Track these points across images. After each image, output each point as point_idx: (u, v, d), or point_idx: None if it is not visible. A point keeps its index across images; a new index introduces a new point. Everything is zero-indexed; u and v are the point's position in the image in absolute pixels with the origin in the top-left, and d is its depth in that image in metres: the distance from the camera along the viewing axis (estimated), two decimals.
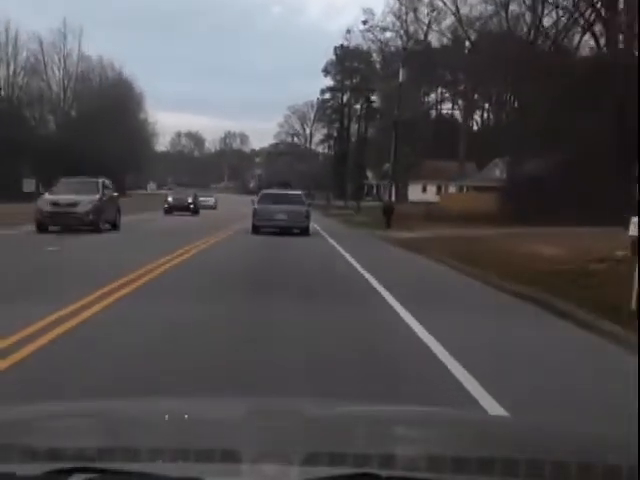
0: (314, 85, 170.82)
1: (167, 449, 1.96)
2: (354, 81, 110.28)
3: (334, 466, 1.83)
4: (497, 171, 74.02)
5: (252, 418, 2.51)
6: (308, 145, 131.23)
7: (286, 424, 2.40)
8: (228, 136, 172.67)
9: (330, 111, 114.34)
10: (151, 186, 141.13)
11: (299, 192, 34.76)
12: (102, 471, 1.71)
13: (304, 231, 29.72)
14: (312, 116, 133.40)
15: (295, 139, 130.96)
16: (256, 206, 30.36)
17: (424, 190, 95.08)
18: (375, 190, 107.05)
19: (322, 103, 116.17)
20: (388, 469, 1.81)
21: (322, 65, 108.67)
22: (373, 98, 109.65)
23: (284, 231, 28.78)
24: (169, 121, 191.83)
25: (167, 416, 2.46)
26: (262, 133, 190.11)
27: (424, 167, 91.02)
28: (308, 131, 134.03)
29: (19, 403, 4.28)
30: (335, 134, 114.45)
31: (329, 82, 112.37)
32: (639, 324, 8.52)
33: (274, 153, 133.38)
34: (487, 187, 62.48)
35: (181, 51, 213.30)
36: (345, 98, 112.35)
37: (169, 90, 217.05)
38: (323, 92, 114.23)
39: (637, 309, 9.56)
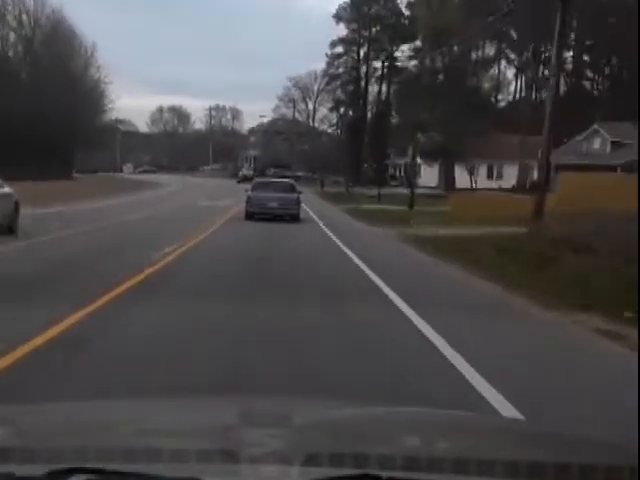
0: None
1: (166, 449, 1.95)
2: (374, 31, 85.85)
3: (334, 466, 1.83)
4: (597, 142, 51.16)
5: (252, 418, 2.52)
6: (311, 123, 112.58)
7: (286, 424, 2.41)
8: (217, 110, 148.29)
9: (343, 69, 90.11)
10: (128, 168, 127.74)
11: (291, 180, 37.43)
12: (101, 471, 1.73)
13: (294, 218, 30.97)
14: (316, 89, 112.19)
15: (297, 115, 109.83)
16: (249, 194, 31.79)
17: (490, 174, 70.40)
18: (402, 172, 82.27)
19: (332, 60, 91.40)
20: (388, 469, 1.80)
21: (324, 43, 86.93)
22: (397, 54, 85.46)
23: (276, 218, 30.05)
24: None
25: (167, 416, 2.49)
26: (259, 113, 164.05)
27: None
28: (311, 106, 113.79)
29: (19, 403, 4.36)
30: (347, 100, 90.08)
31: (342, 31, 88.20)
32: (639, 324, 8.75)
33: (271, 131, 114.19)
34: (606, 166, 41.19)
35: (175, 34, 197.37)
36: (362, 53, 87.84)
37: (160, 74, 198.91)
38: (334, 45, 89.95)
39: (638, 310, 9.40)
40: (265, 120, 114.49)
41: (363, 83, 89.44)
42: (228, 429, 2.32)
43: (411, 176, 51.58)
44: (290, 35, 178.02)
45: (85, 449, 1.95)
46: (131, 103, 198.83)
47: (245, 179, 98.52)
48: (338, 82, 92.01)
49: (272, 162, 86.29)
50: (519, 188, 52.38)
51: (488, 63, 77.38)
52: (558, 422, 5.01)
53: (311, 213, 34.77)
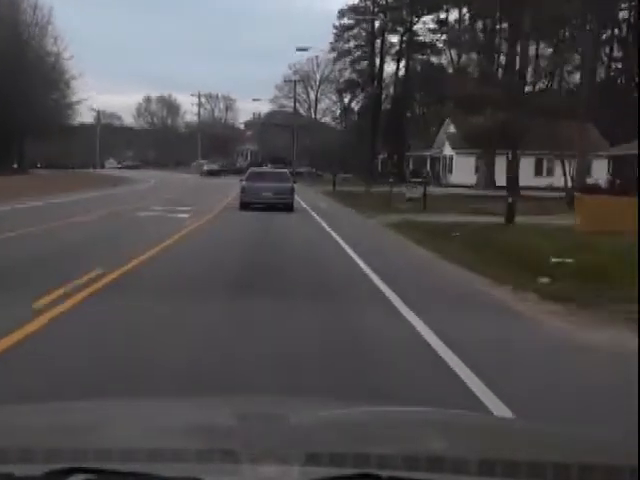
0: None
1: (166, 449, 1.95)
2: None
3: (334, 466, 1.83)
4: None
5: (252, 418, 2.50)
6: (313, 114, 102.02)
7: (286, 424, 2.41)
8: (208, 99, 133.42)
9: (354, 44, 75.79)
10: (111, 163, 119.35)
11: (285, 170, 38.41)
12: (101, 471, 1.72)
13: (288, 207, 30.89)
14: (318, 77, 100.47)
15: (297, 105, 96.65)
16: (244, 183, 31.89)
17: (538, 170, 56.31)
18: (429, 166, 67.80)
19: (340, 32, 76.89)
20: (388, 469, 1.80)
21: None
22: (418, 27, 71.67)
23: (270, 207, 29.90)
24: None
25: (166, 416, 2.47)
26: (255, 104, 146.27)
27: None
28: (313, 96, 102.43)
29: (19, 403, 4.28)
30: (358, 80, 75.97)
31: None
32: (639, 324, 8.50)
33: (269, 124, 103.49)
34: None
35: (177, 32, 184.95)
36: (376, 25, 73.70)
37: (152, 70, 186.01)
38: (342, 14, 75.40)
39: (638, 310, 9.00)
40: (262, 110, 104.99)
41: (378, 61, 74.98)
42: (228, 429, 2.32)
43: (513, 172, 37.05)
44: (289, 31, 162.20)
45: (84, 449, 1.94)
46: (121, 99, 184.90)
47: (210, 174, 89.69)
48: (348, 60, 77.55)
49: (270, 157, 79.61)
50: (581, 187, 37.39)
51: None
52: None
53: (340, 241, 18.81)
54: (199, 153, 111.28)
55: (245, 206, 29.90)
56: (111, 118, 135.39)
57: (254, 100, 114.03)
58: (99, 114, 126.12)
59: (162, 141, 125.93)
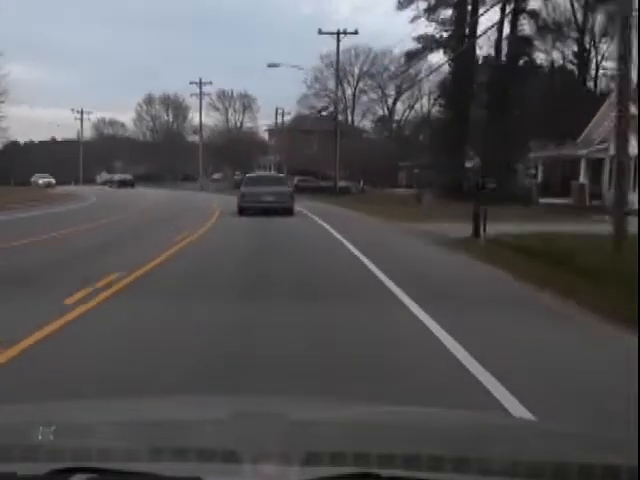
0: None
1: (167, 449, 1.96)
2: None
3: (334, 466, 1.83)
4: None
5: (252, 417, 2.51)
6: (349, 117, 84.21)
7: (286, 423, 2.41)
8: (221, 98, 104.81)
9: None
10: (103, 176, 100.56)
11: (282, 174, 39.53)
12: (103, 471, 1.72)
13: (288, 211, 30.74)
14: (357, 71, 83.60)
15: (330, 106, 77.38)
16: (243, 189, 32.05)
17: None
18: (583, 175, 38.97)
19: None
20: (388, 469, 1.80)
21: None
22: None
23: (270, 212, 29.73)
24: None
25: (167, 416, 2.49)
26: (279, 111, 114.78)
27: None
28: (350, 92, 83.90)
29: (19, 403, 4.30)
30: (439, 38, 48.64)
31: None
32: (639, 324, 8.38)
33: (297, 130, 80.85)
34: None
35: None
36: None
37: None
38: None
39: (638, 312, 8.79)
40: (288, 118, 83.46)
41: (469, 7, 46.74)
42: (228, 428, 2.32)
43: None
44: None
45: (86, 448, 1.95)
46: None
47: (123, 183, 78.40)
48: (422, 4, 49.11)
49: (297, 169, 68.36)
50: None
51: None
52: None
53: None
54: (200, 165, 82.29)
55: (243, 211, 30.50)
56: (113, 126, 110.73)
57: (291, 119, 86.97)
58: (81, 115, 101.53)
59: (163, 150, 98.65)
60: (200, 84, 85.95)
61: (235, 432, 2.22)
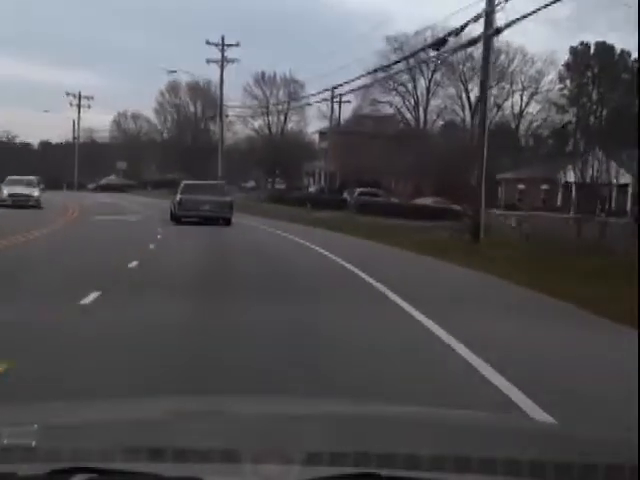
0: None
1: (167, 449, 1.96)
2: None
3: (334, 466, 1.84)
4: None
5: (252, 418, 2.51)
6: (422, 116, 72.97)
7: (286, 424, 2.41)
8: (258, 83, 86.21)
9: None
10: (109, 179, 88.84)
11: (222, 182, 37.41)
12: (103, 471, 1.74)
13: (227, 222, 30.54)
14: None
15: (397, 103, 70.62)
16: (180, 196, 31.08)
17: None
18: None
19: None
20: (388, 469, 1.81)
21: None
22: None
23: (208, 222, 29.27)
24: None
25: (167, 416, 2.49)
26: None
27: None
28: (424, 85, 71.47)
29: (20, 403, 4.35)
30: None
31: None
32: (639, 323, 8.72)
33: (351, 133, 67.25)
34: None
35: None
36: None
37: None
38: None
39: (638, 313, 9.26)
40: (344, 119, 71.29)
41: None
42: (228, 428, 2.31)
43: None
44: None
45: (87, 448, 1.95)
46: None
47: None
48: None
49: (355, 181, 59.15)
50: None
51: None
52: None
53: None
54: (219, 168, 59.85)
55: (178, 219, 30.06)
56: (137, 121, 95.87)
57: (344, 121, 70.66)
58: (76, 124, 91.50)
59: (186, 151, 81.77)
60: (223, 45, 58.89)
61: (235, 432, 2.23)
